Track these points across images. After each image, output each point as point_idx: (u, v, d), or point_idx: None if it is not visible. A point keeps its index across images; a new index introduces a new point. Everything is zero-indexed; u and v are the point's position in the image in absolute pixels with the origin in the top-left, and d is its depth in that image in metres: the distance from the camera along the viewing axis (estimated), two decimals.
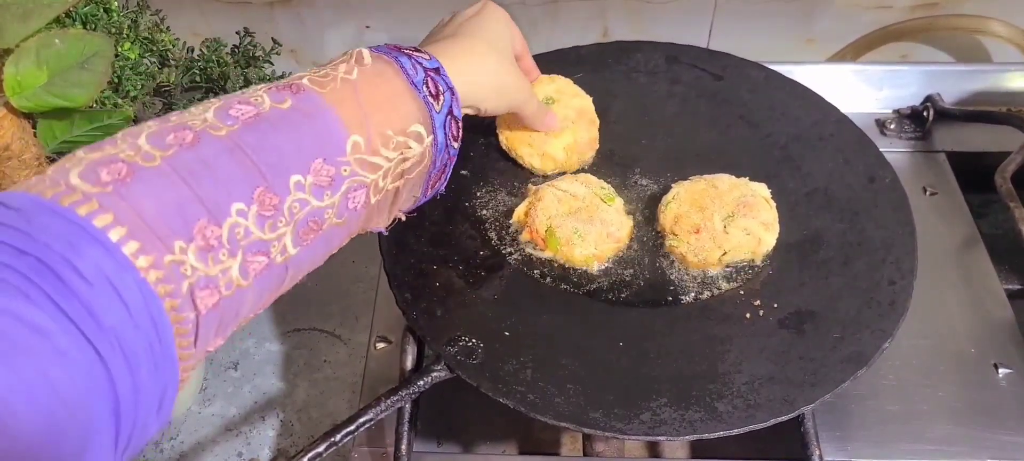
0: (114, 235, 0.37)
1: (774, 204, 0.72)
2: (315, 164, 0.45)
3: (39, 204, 0.37)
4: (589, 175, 0.76)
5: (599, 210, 0.72)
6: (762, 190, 0.73)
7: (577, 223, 0.70)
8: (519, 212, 0.74)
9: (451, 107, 0.54)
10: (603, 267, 0.71)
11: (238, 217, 0.41)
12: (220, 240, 0.41)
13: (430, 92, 0.52)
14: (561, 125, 0.77)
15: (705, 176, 0.74)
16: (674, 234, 0.71)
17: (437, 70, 0.54)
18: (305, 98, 0.47)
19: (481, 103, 0.60)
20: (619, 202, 0.74)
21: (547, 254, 0.71)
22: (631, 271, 0.71)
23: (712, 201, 0.71)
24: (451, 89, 0.54)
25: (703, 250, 0.70)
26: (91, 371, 0.35)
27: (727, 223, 0.70)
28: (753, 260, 0.71)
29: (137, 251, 0.37)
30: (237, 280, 0.42)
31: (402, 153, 0.50)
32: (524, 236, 0.72)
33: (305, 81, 0.49)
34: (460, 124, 0.56)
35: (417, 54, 0.54)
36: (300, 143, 0.45)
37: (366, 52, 0.52)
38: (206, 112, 0.44)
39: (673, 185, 0.74)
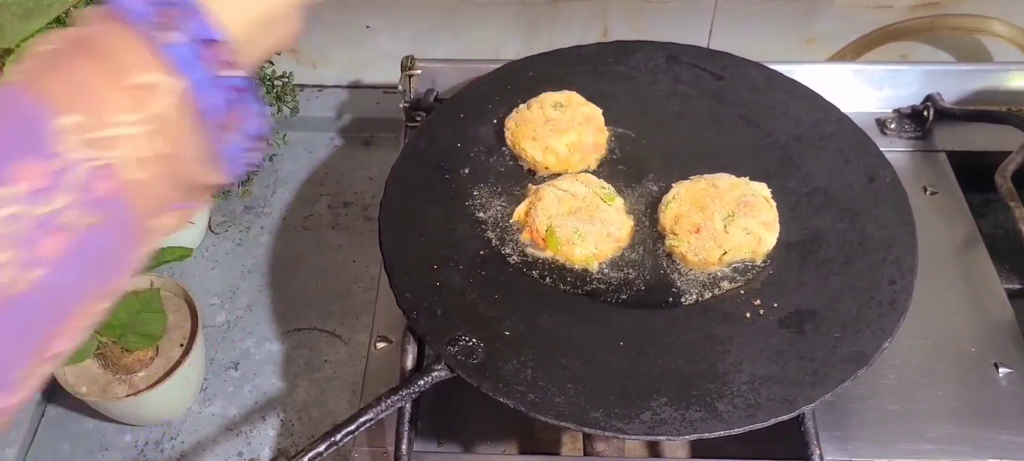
0: None
1: (774, 204, 0.72)
2: (16, 167, 0.36)
3: None
4: (589, 175, 0.76)
5: (599, 210, 0.72)
6: (762, 190, 0.73)
7: (577, 223, 0.71)
8: (519, 212, 0.74)
9: (198, 32, 0.42)
10: (603, 267, 0.71)
11: None
12: None
13: (158, 24, 0.41)
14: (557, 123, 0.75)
15: (705, 176, 0.75)
16: (674, 233, 0.71)
17: None
18: None
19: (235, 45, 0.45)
20: (619, 202, 0.74)
21: (547, 254, 0.71)
22: (631, 271, 0.71)
23: (712, 201, 0.71)
24: (192, 9, 0.42)
25: (703, 249, 0.70)
26: None
27: (727, 223, 0.70)
28: (753, 259, 0.71)
29: None
30: None
31: (140, 111, 0.40)
32: (524, 236, 0.72)
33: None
34: (230, 49, 0.43)
35: None
36: None
37: (84, 12, 0.42)
38: None
39: (673, 185, 0.74)
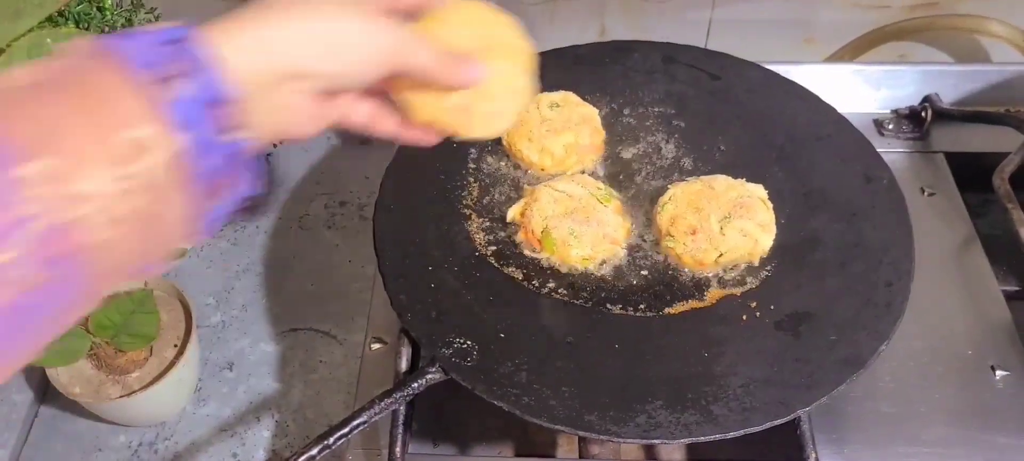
0: None
1: (771, 205, 0.72)
2: None
3: None
4: (586, 176, 0.76)
5: (595, 211, 0.72)
6: (759, 191, 0.72)
7: (573, 224, 0.70)
8: (515, 212, 0.73)
9: (208, 90, 0.38)
10: (599, 268, 0.71)
11: None
12: None
13: (163, 74, 0.37)
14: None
15: (702, 177, 0.74)
16: (671, 235, 0.71)
17: (180, 40, 0.38)
18: None
19: (308, 66, 0.43)
20: (616, 203, 0.73)
21: (543, 255, 0.71)
22: (627, 272, 0.70)
23: (709, 202, 0.71)
24: (204, 62, 0.38)
25: (700, 251, 0.69)
26: None
27: (723, 224, 0.70)
28: (750, 261, 0.70)
29: None
30: None
31: (123, 167, 0.35)
32: (520, 237, 0.72)
33: None
34: (242, 108, 0.40)
35: (158, 29, 0.39)
36: None
37: (73, 44, 0.38)
38: None
39: (669, 186, 0.74)
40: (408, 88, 0.51)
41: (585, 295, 0.69)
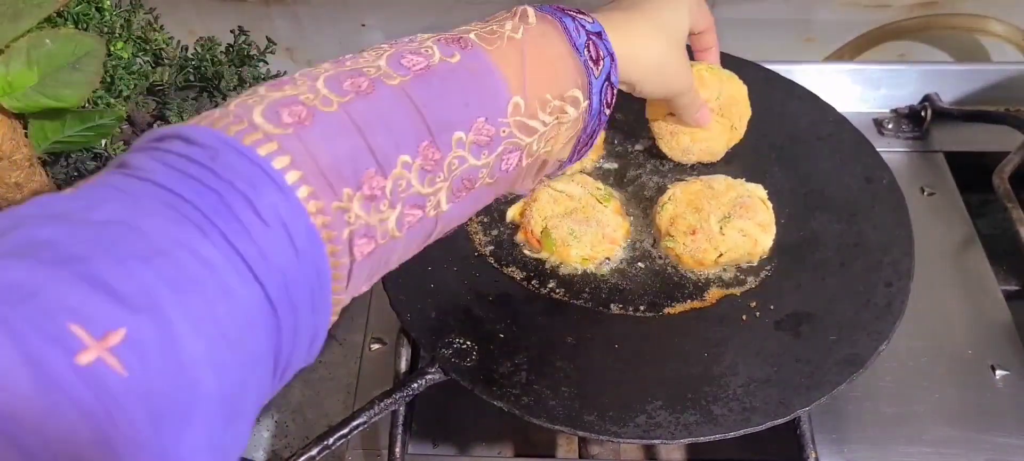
0: (290, 178, 0.38)
1: (771, 205, 0.72)
2: (477, 123, 0.45)
3: (225, 142, 0.38)
4: (585, 176, 0.76)
5: (595, 211, 0.71)
6: (759, 191, 0.72)
7: (573, 224, 0.70)
8: (513, 212, 0.73)
9: (610, 74, 0.53)
10: (598, 268, 0.70)
11: (403, 169, 0.42)
12: (384, 191, 0.41)
13: (591, 56, 0.51)
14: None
15: (701, 177, 0.74)
16: (670, 235, 0.71)
17: (599, 34, 0.52)
18: (472, 55, 0.47)
19: (637, 83, 0.58)
20: (615, 203, 0.73)
21: (542, 255, 0.71)
22: (627, 272, 0.70)
23: (708, 202, 0.71)
24: (611, 55, 0.53)
25: (699, 251, 0.69)
26: (258, 309, 0.36)
27: (723, 224, 0.69)
28: (750, 261, 0.70)
29: (308, 195, 0.38)
30: (392, 231, 0.43)
31: (558, 118, 0.49)
32: (519, 236, 0.72)
33: (472, 36, 0.49)
34: (615, 91, 0.55)
35: (580, 17, 0.53)
36: (466, 100, 0.45)
37: (531, 11, 0.51)
38: (379, 59, 0.45)
39: (669, 186, 0.74)
40: (663, 116, 0.75)
41: (585, 295, 0.69)
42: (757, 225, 0.70)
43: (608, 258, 0.71)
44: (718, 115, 0.75)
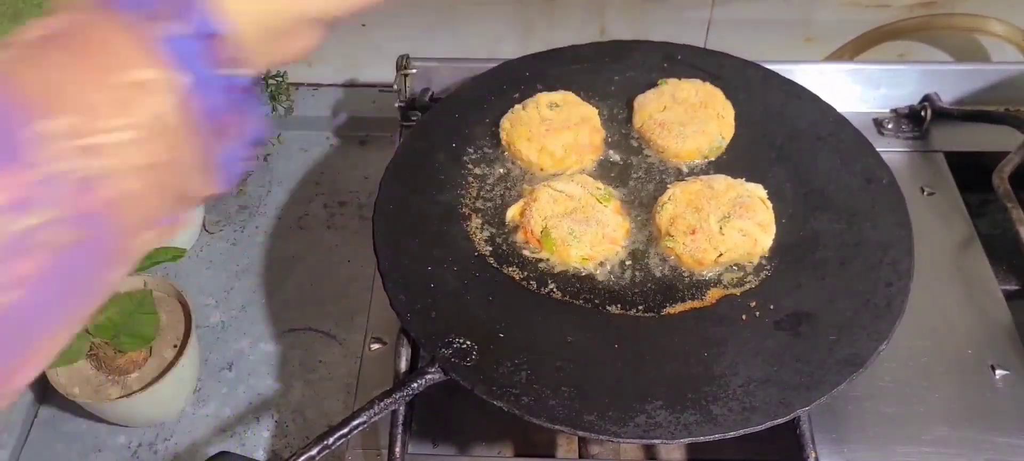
0: None
1: (770, 205, 0.72)
2: None
3: None
4: (585, 176, 0.76)
5: (595, 211, 0.72)
6: (758, 191, 0.72)
7: (573, 224, 0.70)
8: (514, 212, 0.73)
9: (201, 25, 0.37)
10: (599, 268, 0.70)
11: None
12: None
13: (152, 13, 0.36)
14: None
15: (701, 177, 0.74)
16: (670, 235, 0.71)
17: None
18: None
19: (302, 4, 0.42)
20: (615, 203, 0.73)
21: (543, 255, 0.71)
22: (627, 272, 0.70)
23: (708, 202, 0.71)
24: (194, 2, 0.37)
25: (699, 251, 0.69)
26: None
27: (723, 224, 0.69)
28: (750, 260, 0.70)
29: None
30: None
31: (132, 113, 0.35)
32: (519, 237, 0.72)
33: None
34: (232, 44, 0.39)
35: None
36: None
37: None
38: None
39: (669, 185, 0.74)
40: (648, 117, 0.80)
41: (585, 295, 0.69)
42: (757, 225, 0.70)
43: (608, 258, 0.71)
44: (701, 107, 0.78)
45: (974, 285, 0.78)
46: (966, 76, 0.96)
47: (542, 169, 0.77)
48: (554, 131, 0.77)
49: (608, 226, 0.71)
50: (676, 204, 0.72)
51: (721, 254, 0.69)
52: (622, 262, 0.71)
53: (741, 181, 0.73)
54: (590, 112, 0.80)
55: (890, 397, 0.70)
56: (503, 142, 0.79)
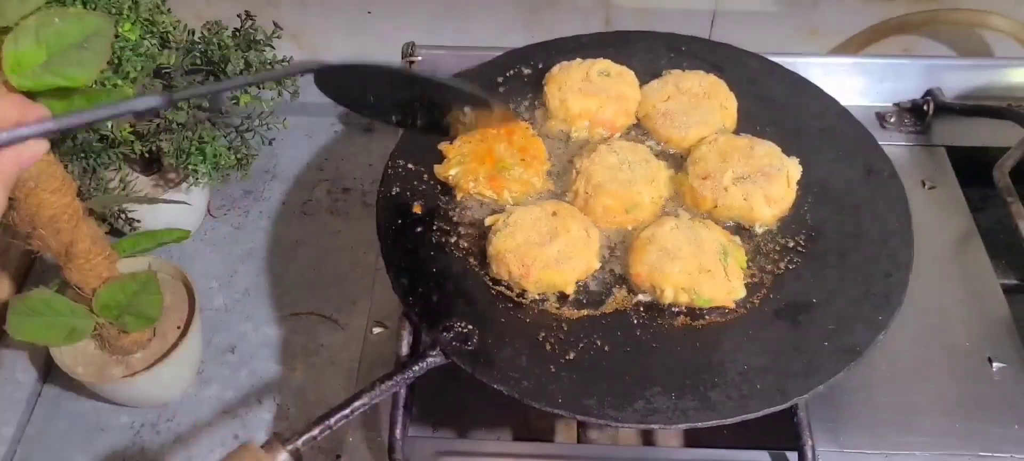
0: None
1: (796, 187, 0.73)
2: None
3: None
4: (554, 201, 0.73)
5: (564, 224, 0.69)
6: (791, 167, 0.73)
7: (550, 250, 0.68)
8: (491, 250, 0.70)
9: None
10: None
11: None
12: None
13: None
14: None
15: (750, 136, 0.76)
16: (689, 169, 0.73)
17: None
18: None
19: None
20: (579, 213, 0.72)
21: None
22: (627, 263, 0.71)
23: (738, 158, 0.73)
24: None
25: (700, 194, 0.72)
26: None
27: (736, 182, 0.71)
28: (741, 224, 0.72)
29: None
30: None
31: None
32: (495, 272, 0.69)
33: None
34: None
35: None
36: None
37: None
38: None
39: (718, 135, 0.76)
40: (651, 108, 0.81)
41: (585, 279, 0.69)
42: (764, 196, 0.71)
43: (606, 258, 0.71)
44: (705, 97, 0.80)
45: (973, 279, 0.78)
46: (968, 71, 0.96)
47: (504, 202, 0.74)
48: (590, 95, 0.80)
49: (578, 240, 0.69)
50: (710, 147, 0.74)
51: (716, 207, 0.72)
52: (622, 254, 0.71)
53: (780, 153, 0.74)
54: (633, 92, 0.81)
55: (887, 387, 0.71)
56: (544, 92, 0.81)
